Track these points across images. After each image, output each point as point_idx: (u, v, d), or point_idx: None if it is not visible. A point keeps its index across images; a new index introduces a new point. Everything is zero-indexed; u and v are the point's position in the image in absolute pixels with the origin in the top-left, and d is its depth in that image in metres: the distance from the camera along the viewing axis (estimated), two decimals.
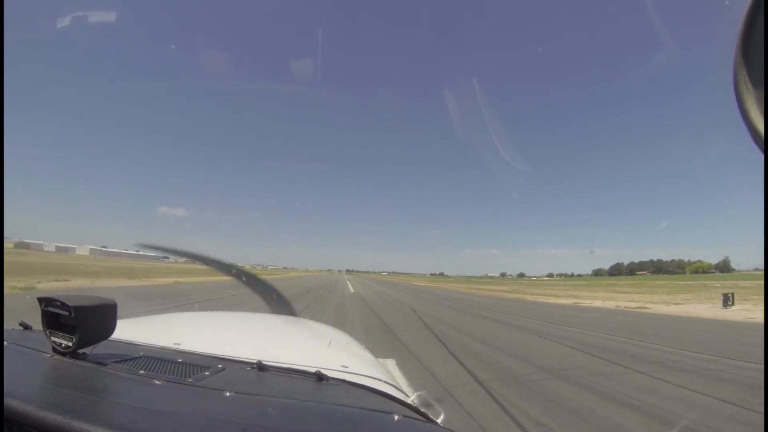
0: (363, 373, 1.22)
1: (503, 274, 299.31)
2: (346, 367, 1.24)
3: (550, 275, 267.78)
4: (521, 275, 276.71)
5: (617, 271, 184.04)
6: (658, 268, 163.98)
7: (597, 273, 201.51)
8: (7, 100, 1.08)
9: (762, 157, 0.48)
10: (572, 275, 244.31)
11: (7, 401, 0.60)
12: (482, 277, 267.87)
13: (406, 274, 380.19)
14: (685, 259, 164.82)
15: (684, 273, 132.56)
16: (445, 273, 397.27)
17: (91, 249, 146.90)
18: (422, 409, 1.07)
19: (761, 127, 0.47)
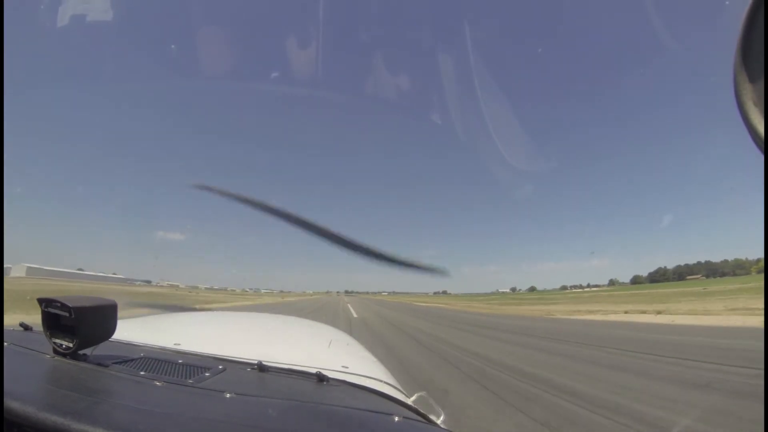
0: (363, 374, 1.24)
1: (514, 289, 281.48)
2: (347, 367, 1.27)
3: (564, 287, 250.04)
4: (532, 289, 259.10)
5: (662, 276, 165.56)
6: (712, 270, 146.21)
7: (635, 281, 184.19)
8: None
9: (762, 157, 0.48)
10: (588, 286, 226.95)
11: (7, 402, 0.60)
12: (493, 293, 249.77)
13: (407, 294, 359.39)
14: (742, 258, 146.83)
15: (749, 273, 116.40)
16: (448, 291, 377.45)
17: (28, 268, 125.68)
18: (422, 410, 1.09)
19: (761, 128, 0.47)
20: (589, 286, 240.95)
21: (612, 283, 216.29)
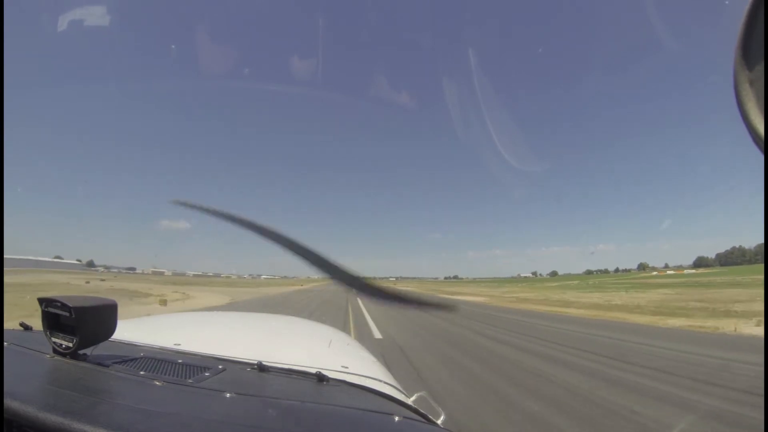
0: (363, 374, 1.27)
1: (535, 274, 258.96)
2: (347, 367, 1.30)
3: (589, 272, 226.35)
4: (554, 274, 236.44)
5: (740, 258, 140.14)
6: None
7: (699, 263, 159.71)
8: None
9: (762, 157, 0.48)
10: (617, 271, 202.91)
11: (7, 402, 0.61)
12: (513, 278, 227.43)
13: (416, 279, 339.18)
14: None
15: None
16: (459, 276, 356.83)
17: None
18: (422, 410, 1.12)
19: (761, 128, 0.48)
20: (617, 270, 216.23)
21: (642, 267, 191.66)
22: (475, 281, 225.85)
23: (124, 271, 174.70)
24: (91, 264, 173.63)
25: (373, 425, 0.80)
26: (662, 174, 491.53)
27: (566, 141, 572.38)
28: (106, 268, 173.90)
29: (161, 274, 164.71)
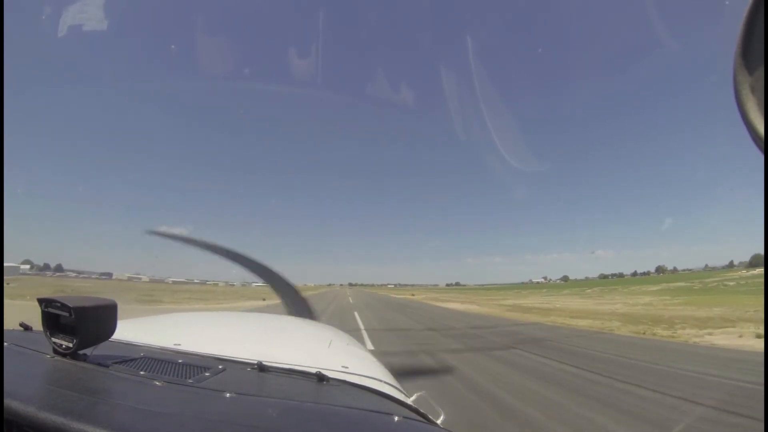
0: (363, 374, 1.29)
1: (545, 278, 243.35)
2: (347, 367, 1.31)
3: (604, 276, 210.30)
4: (565, 279, 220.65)
5: None
6: None
7: (755, 263, 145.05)
8: None
9: (762, 157, 0.49)
10: (635, 275, 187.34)
11: (8, 402, 0.62)
12: (525, 284, 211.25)
13: (415, 286, 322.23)
14: None
15: None
16: (461, 283, 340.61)
17: None
18: (422, 410, 1.13)
19: (761, 128, 0.48)
20: (636, 274, 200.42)
21: (660, 270, 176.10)
22: (484, 287, 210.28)
23: (96, 276, 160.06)
24: (59, 268, 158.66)
25: (373, 425, 0.81)
26: (665, 176, 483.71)
27: (566, 142, 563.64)
28: (78, 272, 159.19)
29: (138, 280, 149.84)
